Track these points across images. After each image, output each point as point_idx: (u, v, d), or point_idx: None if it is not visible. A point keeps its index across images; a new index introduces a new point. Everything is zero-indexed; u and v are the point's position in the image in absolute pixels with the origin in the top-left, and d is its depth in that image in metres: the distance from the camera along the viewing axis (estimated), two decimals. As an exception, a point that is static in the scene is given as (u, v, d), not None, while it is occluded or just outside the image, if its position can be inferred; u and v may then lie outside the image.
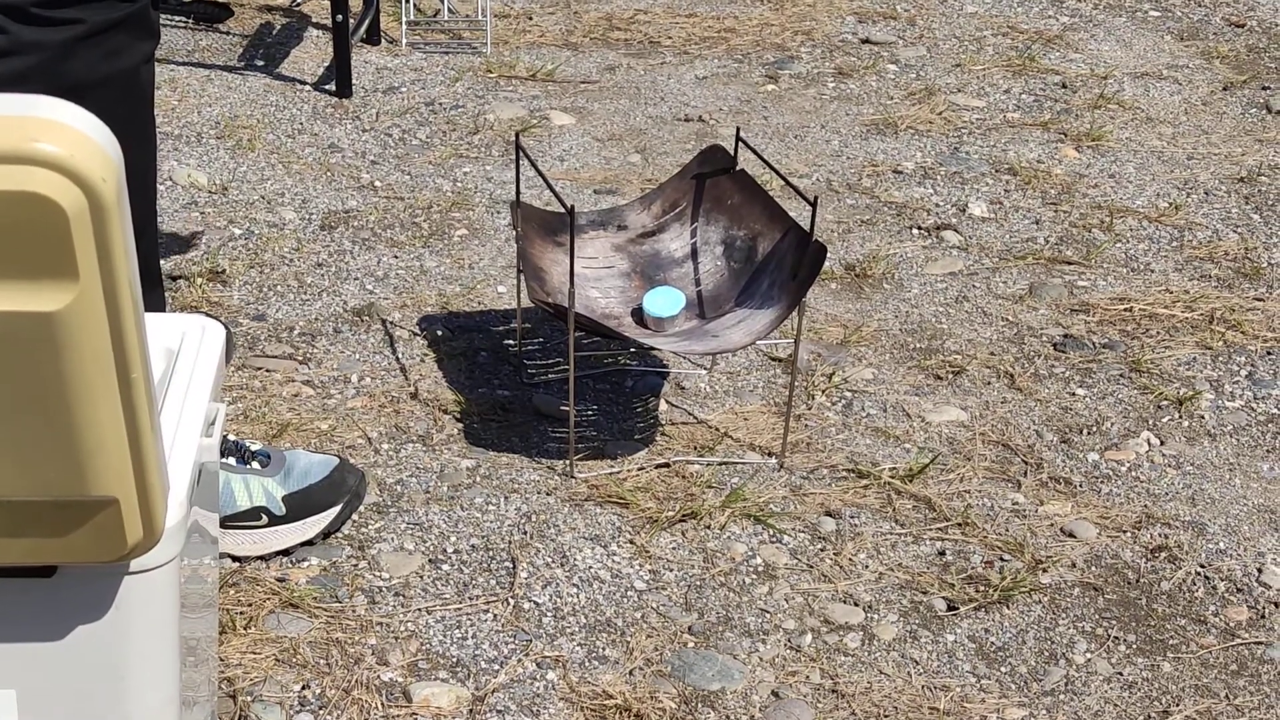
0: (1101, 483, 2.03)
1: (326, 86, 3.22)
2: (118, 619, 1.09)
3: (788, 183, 2.02)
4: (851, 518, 1.93)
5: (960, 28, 3.74)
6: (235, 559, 1.77)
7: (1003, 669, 1.70)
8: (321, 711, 1.59)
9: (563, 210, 2.02)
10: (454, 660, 1.67)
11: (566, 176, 2.89)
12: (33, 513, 0.98)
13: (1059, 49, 3.61)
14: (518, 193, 2.17)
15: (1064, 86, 3.38)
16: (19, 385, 0.90)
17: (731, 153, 2.22)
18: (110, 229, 0.86)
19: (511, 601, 1.76)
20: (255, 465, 1.78)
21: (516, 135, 2.18)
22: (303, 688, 1.62)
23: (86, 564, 1.04)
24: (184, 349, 1.26)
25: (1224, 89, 3.39)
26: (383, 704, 1.60)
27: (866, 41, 3.64)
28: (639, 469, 2.01)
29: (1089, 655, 1.72)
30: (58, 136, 0.83)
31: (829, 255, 2.35)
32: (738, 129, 2.23)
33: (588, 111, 3.20)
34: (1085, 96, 3.32)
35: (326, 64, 3.34)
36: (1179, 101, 3.31)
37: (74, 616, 1.08)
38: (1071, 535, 1.92)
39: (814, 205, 1.94)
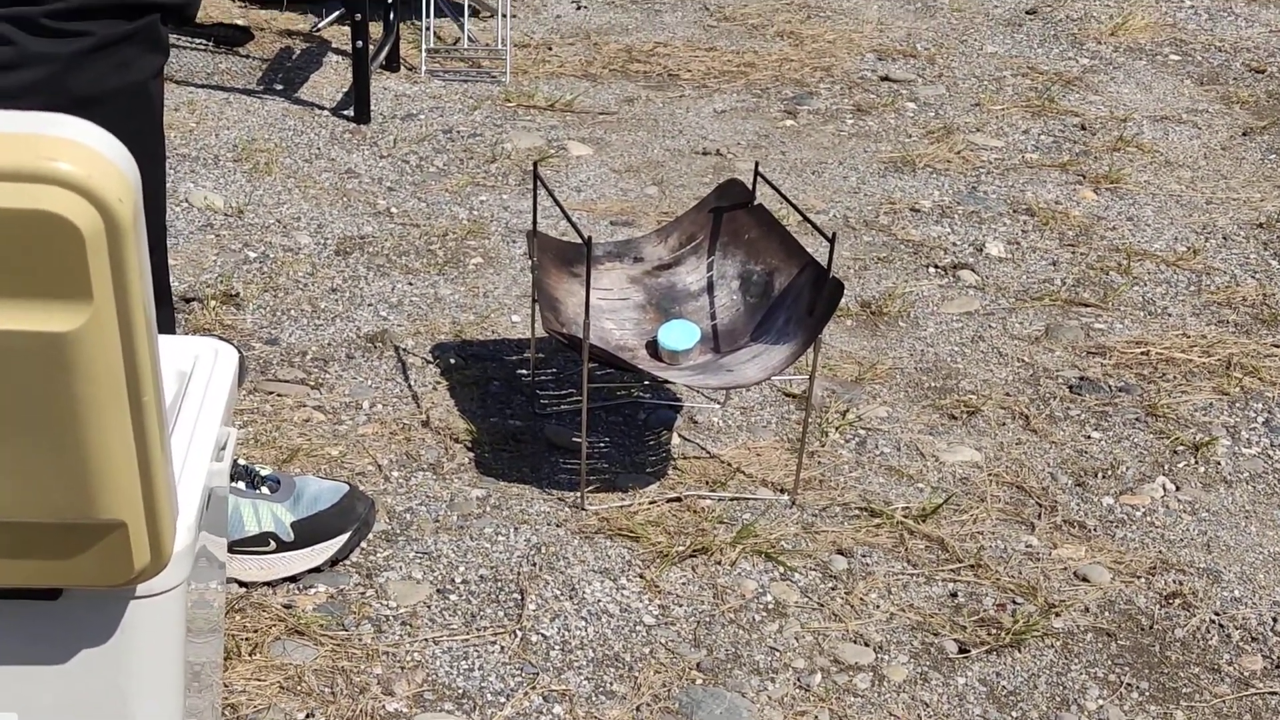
0: (1116, 527, 2.01)
1: (345, 112, 3.23)
2: (122, 643, 1.08)
3: (806, 218, 2.01)
4: (863, 557, 1.92)
5: (980, 67, 3.74)
6: (242, 584, 1.76)
7: (1014, 714, 1.68)
8: (324, 741, 1.57)
9: (579, 241, 2.01)
10: (460, 692, 1.65)
11: (583, 207, 2.89)
12: (39, 534, 0.97)
13: (1078, 90, 3.61)
14: (534, 222, 2.16)
15: (1083, 128, 3.38)
16: (29, 405, 0.89)
17: (749, 187, 2.21)
18: (126, 250, 0.85)
19: (519, 634, 1.74)
20: (265, 490, 1.77)
21: (534, 165, 2.18)
22: (307, 716, 1.60)
23: (92, 587, 1.03)
24: (196, 372, 1.25)
25: (1244, 134, 3.38)
26: (386, 735, 1.58)
27: (886, 79, 3.63)
28: (650, 502, 2.00)
29: (1101, 702, 1.70)
30: (75, 156, 0.82)
31: (845, 292, 2.34)
32: (756, 164, 2.22)
33: (605, 143, 3.20)
34: (1104, 139, 3.32)
35: (345, 89, 3.35)
36: (1198, 146, 3.30)
37: (78, 640, 1.07)
38: (1085, 580, 1.90)
39: (832, 241, 1.93)
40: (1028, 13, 4.17)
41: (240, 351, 2.17)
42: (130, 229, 0.85)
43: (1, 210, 0.81)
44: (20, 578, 0.99)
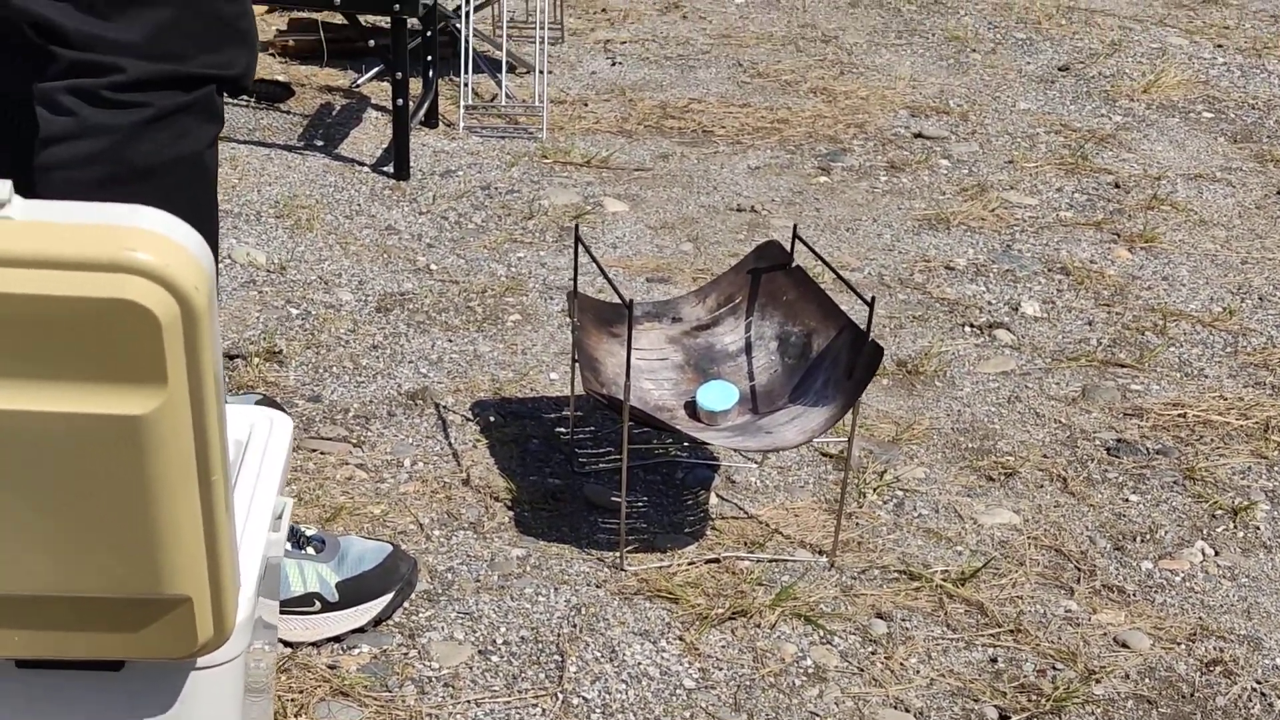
0: (1155, 592, 2.01)
1: (385, 168, 3.26)
2: (182, 713, 1.09)
3: (845, 282, 2.03)
4: (903, 620, 1.92)
5: (1013, 124, 3.76)
6: (287, 644, 1.78)
7: (1055, 782, 1.68)
8: (369, 803, 1.58)
9: (619, 301, 2.03)
10: (502, 755, 1.66)
11: (619, 264, 2.91)
12: (106, 609, 0.99)
13: (1111, 148, 3.62)
14: (575, 283, 2.19)
15: (1117, 186, 3.39)
16: (101, 485, 0.91)
17: (787, 249, 2.23)
18: (200, 336, 0.87)
19: (560, 696, 1.75)
20: (310, 550, 1.79)
21: (575, 227, 2.20)
22: (351, 778, 1.61)
23: (156, 659, 1.05)
24: (253, 440, 1.27)
25: (1278, 193, 3.39)
26: (430, 798, 1.59)
27: (919, 136, 3.66)
28: (689, 563, 2.01)
29: (1143, 771, 1.70)
30: (154, 245, 0.85)
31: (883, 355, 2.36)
32: (794, 226, 2.25)
33: (641, 199, 3.23)
34: (1138, 197, 3.33)
35: (385, 145, 3.39)
36: (1232, 205, 3.31)
37: (140, 710, 1.09)
38: (1125, 645, 1.90)
39: (871, 305, 1.95)
40: (1060, 69, 4.19)
41: (284, 410, 2.20)
42: (205, 316, 0.87)
43: (84, 299, 0.83)
44: (86, 650, 1.01)
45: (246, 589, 1.10)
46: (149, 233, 0.85)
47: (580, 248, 2.14)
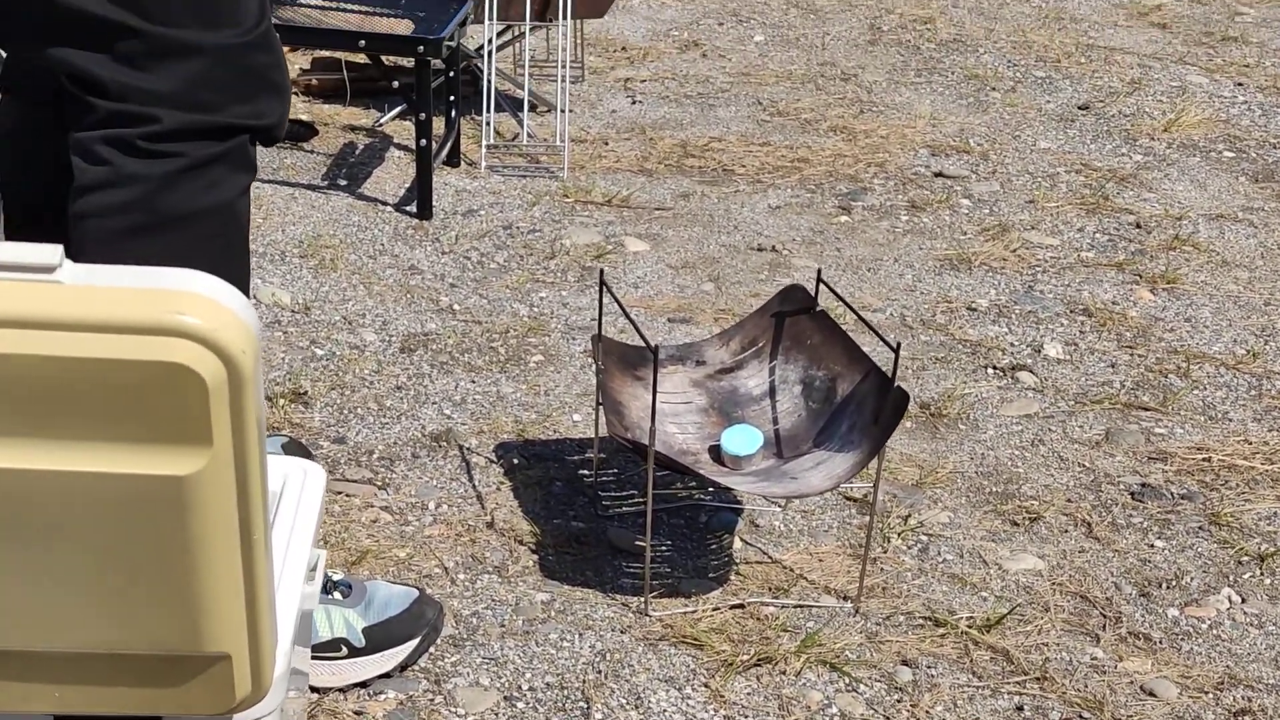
0: (1182, 640, 2.00)
1: (408, 207, 3.28)
2: (217, 767, 1.10)
3: (871, 328, 2.03)
4: (928, 668, 1.92)
5: (1033, 163, 3.77)
6: (314, 689, 1.78)
7: (1084, 833, 1.67)
8: None
9: (643, 345, 2.03)
10: (529, 803, 1.66)
11: (640, 304, 2.92)
12: (145, 665, 0.99)
13: (1132, 188, 3.63)
14: (599, 327, 2.19)
15: (1138, 226, 3.39)
16: (145, 544, 0.92)
17: (811, 292, 2.24)
18: (246, 398, 0.88)
19: (586, 743, 1.75)
20: (337, 595, 1.80)
21: (600, 272, 2.21)
22: (378, 826, 1.61)
23: (193, 715, 1.05)
24: (286, 492, 1.28)
25: (1299, 233, 3.39)
26: (457, 846, 1.59)
27: (939, 175, 3.67)
28: (713, 609, 2.01)
29: (1172, 822, 1.69)
30: (201, 309, 0.86)
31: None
32: (819, 270, 2.25)
33: (662, 238, 3.24)
34: (1160, 237, 3.33)
35: (407, 184, 3.41)
36: (1255, 245, 3.31)
37: (175, 765, 1.09)
38: (1152, 694, 1.89)
39: (896, 351, 1.95)
40: (1080, 108, 4.20)
41: (310, 454, 2.21)
42: (251, 378, 0.88)
43: (132, 362, 0.84)
44: (124, 706, 1.02)
45: (283, 644, 1.10)
46: (197, 296, 0.86)
47: (605, 293, 2.15)
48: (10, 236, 1.66)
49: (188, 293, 0.86)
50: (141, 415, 0.86)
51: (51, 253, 0.84)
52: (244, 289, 1.70)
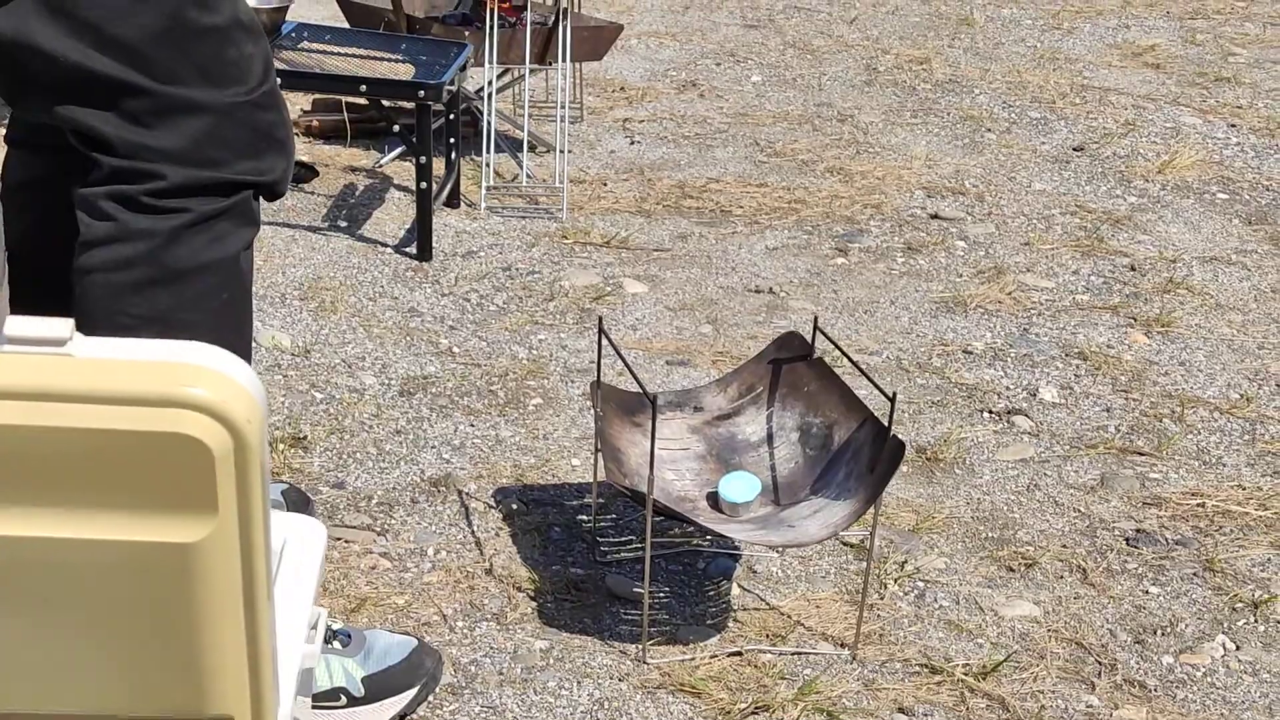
0: (1177, 688, 2.01)
1: (407, 249, 3.30)
2: (219, 826, 1.11)
3: (869, 378, 2.05)
4: (925, 715, 1.93)
5: (1029, 205, 3.80)
6: (313, 738, 1.79)
7: None
8: None
9: (641, 391, 2.05)
10: None
11: (639, 346, 2.94)
12: (149, 727, 1.00)
13: (1127, 230, 3.65)
14: (598, 373, 2.21)
15: (1133, 269, 3.42)
16: (151, 609, 0.93)
17: (808, 338, 2.26)
18: (251, 467, 0.90)
19: (584, 792, 1.76)
20: (336, 645, 1.81)
21: (599, 320, 2.23)
22: None
23: (195, 775, 1.06)
24: (287, 551, 1.29)
25: (1293, 276, 3.41)
26: None
27: (935, 217, 3.69)
28: (711, 656, 2.02)
29: None
30: (208, 381, 0.87)
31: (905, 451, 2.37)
32: (815, 318, 2.27)
33: (660, 280, 3.26)
34: (1154, 280, 3.35)
35: (407, 225, 3.43)
36: (1248, 288, 3.34)
37: (178, 824, 1.10)
38: (1147, 742, 1.90)
39: (892, 401, 1.96)
40: (1075, 150, 4.23)
41: (309, 499, 2.22)
42: (256, 447, 0.89)
43: (141, 433, 0.85)
44: (128, 766, 1.03)
45: (284, 704, 1.11)
46: (204, 368, 0.87)
47: (604, 340, 2.17)
48: (18, 290, 1.68)
49: (194, 365, 0.87)
50: (149, 484, 0.88)
51: (62, 326, 0.85)
52: (247, 341, 1.72)
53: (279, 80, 1.67)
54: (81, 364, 0.86)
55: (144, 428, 0.86)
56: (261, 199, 1.64)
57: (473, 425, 2.59)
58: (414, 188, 3.26)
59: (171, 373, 0.86)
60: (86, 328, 1.57)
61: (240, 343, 1.69)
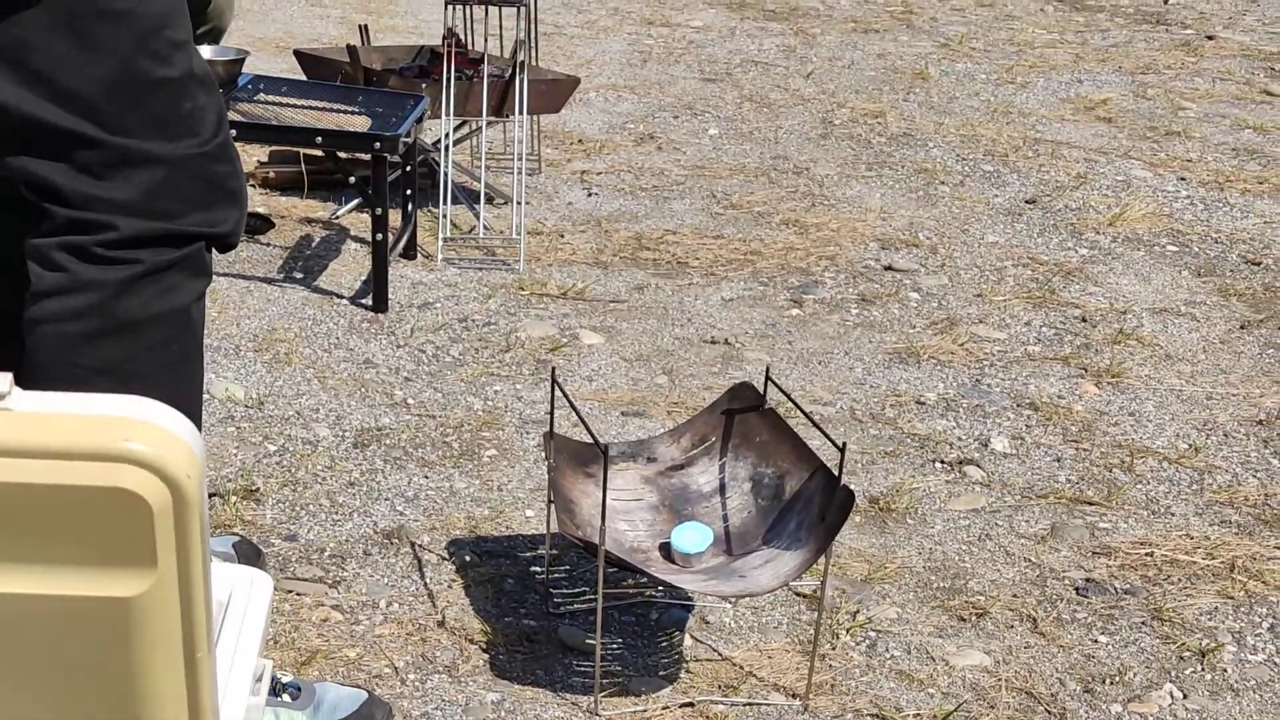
0: (1126, 736, 2.03)
1: (363, 300, 3.31)
2: None
3: (818, 427, 2.06)
4: (876, 766, 1.93)
5: (981, 257, 3.84)
6: (261, 793, 1.77)
7: None
8: None
9: (594, 442, 2.06)
10: None
11: (594, 397, 2.95)
12: (89, 782, 1.00)
13: (1078, 281, 3.70)
14: (551, 424, 2.22)
15: (1084, 320, 3.46)
16: (90, 663, 0.93)
17: (760, 389, 2.27)
18: (190, 521, 0.90)
19: (534, 846, 1.75)
20: (286, 698, 1.80)
21: (552, 371, 2.24)
22: None
23: (135, 831, 1.06)
24: (233, 602, 1.29)
25: (1241, 327, 3.46)
26: None
27: (889, 269, 3.73)
28: (664, 708, 2.02)
29: None
30: (148, 436, 0.88)
31: (855, 501, 2.39)
32: (767, 369, 2.29)
33: (616, 331, 3.28)
34: (1105, 331, 3.39)
35: (364, 277, 3.43)
36: (1197, 339, 3.38)
37: None
38: (1096, 792, 1.91)
39: (842, 451, 1.98)
40: (1027, 202, 4.29)
41: (260, 550, 2.21)
42: (195, 501, 0.90)
43: (80, 488, 0.86)
44: (67, 822, 1.02)
45: (227, 757, 1.11)
46: (143, 423, 0.88)
47: (558, 391, 2.18)
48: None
49: (134, 420, 0.88)
50: (88, 539, 0.88)
51: (2, 381, 0.86)
52: (199, 392, 1.72)
53: (234, 132, 1.68)
54: (20, 418, 0.86)
55: (82, 482, 0.86)
56: (214, 250, 1.64)
57: (427, 477, 2.59)
58: (370, 239, 3.26)
59: (110, 427, 0.87)
60: (38, 378, 1.57)
61: (192, 394, 1.69)
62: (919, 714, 2.03)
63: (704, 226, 3.98)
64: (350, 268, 3.52)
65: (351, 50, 3.88)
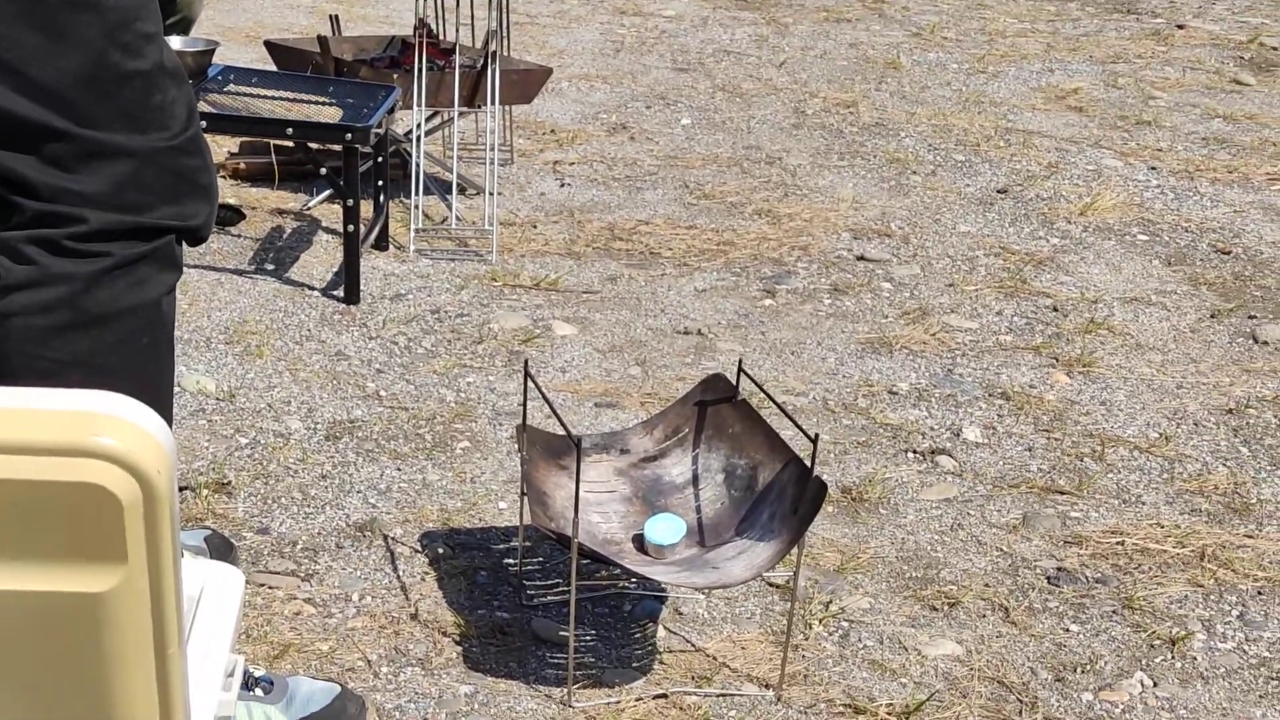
0: (1097, 724, 2.04)
1: (335, 292, 3.30)
2: None
3: (794, 421, 2.07)
4: (849, 756, 1.94)
5: (953, 246, 3.85)
6: (233, 787, 1.77)
7: None
8: None
9: (566, 434, 2.06)
10: None
11: (567, 388, 2.94)
12: (59, 779, 0.99)
13: (1050, 270, 3.71)
14: (524, 416, 2.21)
15: (1055, 309, 3.47)
16: (59, 660, 0.93)
17: (733, 382, 2.28)
18: (160, 516, 0.90)
19: (509, 838, 1.75)
20: (258, 692, 1.79)
21: (525, 363, 2.24)
22: None
23: (107, 827, 1.05)
24: (205, 598, 1.29)
25: (1211, 316, 3.48)
26: None
27: (862, 259, 3.73)
28: (637, 699, 2.02)
29: None
30: (118, 431, 0.87)
31: (827, 491, 2.39)
32: (739, 360, 2.29)
33: (589, 322, 3.27)
34: (1076, 320, 3.41)
35: (336, 269, 3.42)
36: (1168, 328, 3.40)
37: None
38: (1068, 779, 1.92)
39: (814, 442, 1.99)
40: (999, 192, 4.30)
41: (234, 545, 2.21)
42: (165, 496, 0.89)
43: (48, 483, 0.85)
44: (37, 819, 1.02)
45: (199, 753, 1.11)
46: (112, 418, 0.87)
47: (530, 384, 2.18)
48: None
49: (103, 414, 0.87)
50: (57, 534, 0.87)
51: (-31, 377, 0.85)
52: (169, 385, 1.72)
53: (204, 123, 1.67)
54: (-13, 414, 0.85)
55: (51, 477, 0.86)
56: (184, 243, 1.63)
57: (399, 469, 2.58)
58: (342, 230, 3.25)
59: (79, 422, 0.86)
60: (7, 372, 1.56)
61: (162, 387, 1.68)
62: (891, 704, 2.04)
63: (677, 217, 3.98)
64: (322, 259, 3.50)
65: (322, 40, 3.87)
